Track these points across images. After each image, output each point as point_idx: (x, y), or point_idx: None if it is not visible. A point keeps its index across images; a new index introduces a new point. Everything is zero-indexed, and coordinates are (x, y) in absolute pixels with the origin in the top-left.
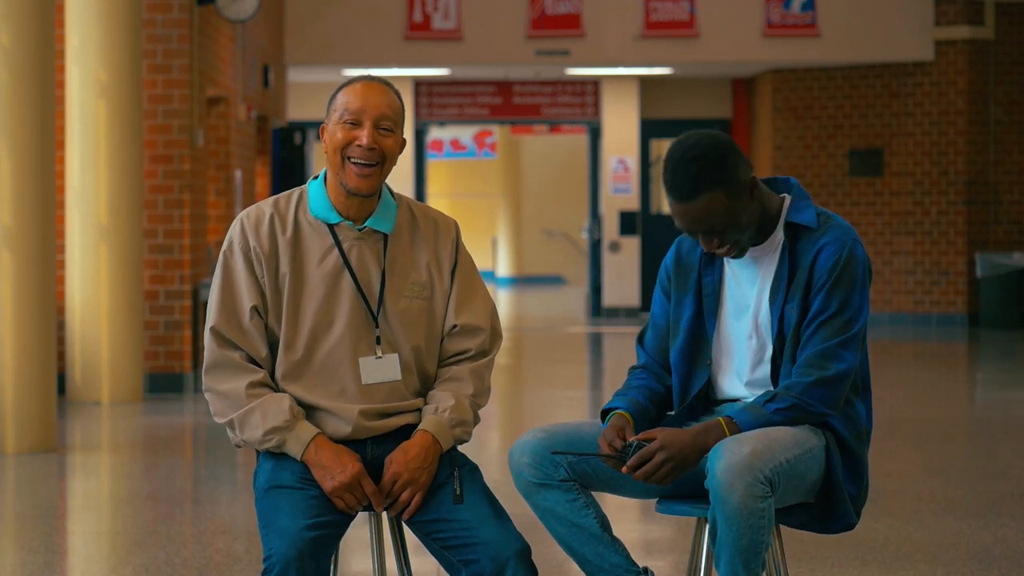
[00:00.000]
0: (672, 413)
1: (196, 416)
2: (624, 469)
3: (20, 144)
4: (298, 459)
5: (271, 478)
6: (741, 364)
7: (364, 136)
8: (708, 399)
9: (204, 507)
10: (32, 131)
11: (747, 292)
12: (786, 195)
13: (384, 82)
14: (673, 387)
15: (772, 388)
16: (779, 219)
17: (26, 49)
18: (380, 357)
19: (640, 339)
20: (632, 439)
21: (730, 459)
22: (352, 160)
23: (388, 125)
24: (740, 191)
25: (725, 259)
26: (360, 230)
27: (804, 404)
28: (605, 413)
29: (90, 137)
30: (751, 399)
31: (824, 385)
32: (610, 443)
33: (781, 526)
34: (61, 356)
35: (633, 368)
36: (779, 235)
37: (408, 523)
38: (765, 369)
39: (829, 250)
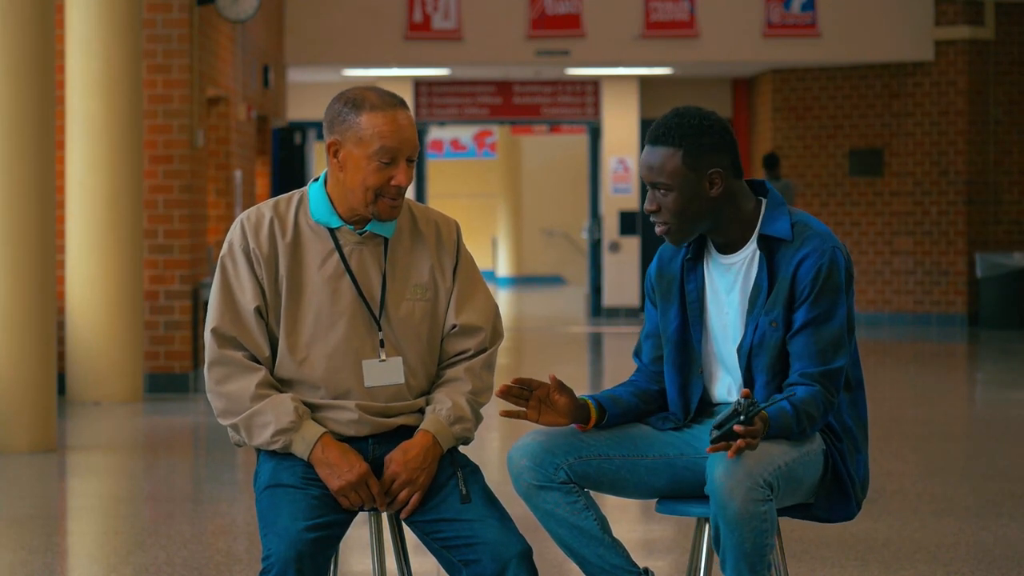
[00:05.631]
0: (669, 413)
1: (196, 416)
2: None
3: (20, 144)
4: (305, 459)
5: (272, 477)
6: (732, 371)
7: (401, 176)
8: (706, 403)
9: (204, 507)
10: (32, 131)
11: (725, 300)
12: (762, 199)
13: (404, 104)
14: (671, 399)
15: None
16: (755, 227)
17: (26, 49)
18: (384, 360)
19: (636, 352)
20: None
21: (729, 465)
22: (385, 196)
23: (414, 156)
24: (699, 169)
25: (704, 266)
26: (361, 234)
27: (820, 417)
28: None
29: (90, 137)
30: (771, 407)
31: (830, 378)
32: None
33: (780, 526)
34: (61, 356)
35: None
36: (754, 245)
37: (409, 523)
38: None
39: (810, 261)
